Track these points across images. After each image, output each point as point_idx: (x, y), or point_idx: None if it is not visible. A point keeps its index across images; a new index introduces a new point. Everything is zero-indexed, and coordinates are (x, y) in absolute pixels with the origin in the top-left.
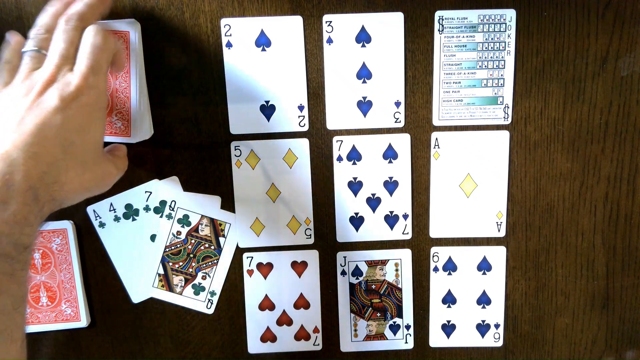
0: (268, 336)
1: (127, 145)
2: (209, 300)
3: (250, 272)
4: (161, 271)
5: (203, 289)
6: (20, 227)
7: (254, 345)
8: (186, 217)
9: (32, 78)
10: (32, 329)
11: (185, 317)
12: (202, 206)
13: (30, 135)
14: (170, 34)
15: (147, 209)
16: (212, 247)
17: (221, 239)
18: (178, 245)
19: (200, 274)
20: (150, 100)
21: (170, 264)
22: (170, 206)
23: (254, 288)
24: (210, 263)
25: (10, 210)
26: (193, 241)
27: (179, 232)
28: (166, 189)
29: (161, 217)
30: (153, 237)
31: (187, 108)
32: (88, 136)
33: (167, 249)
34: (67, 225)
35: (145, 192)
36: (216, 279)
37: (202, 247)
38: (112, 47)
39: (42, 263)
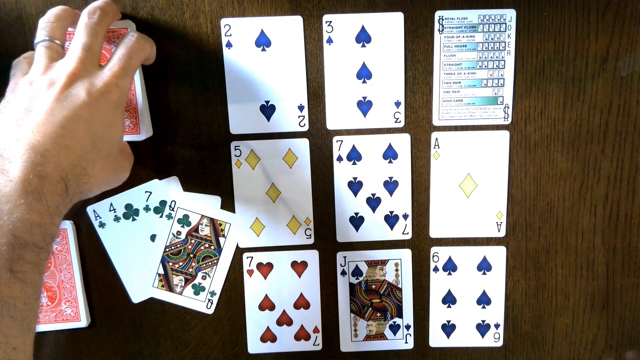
0: (268, 336)
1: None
2: (209, 300)
3: (250, 272)
4: (161, 271)
5: (203, 289)
6: (51, 218)
7: (254, 345)
8: (186, 217)
9: (54, 69)
10: (37, 328)
11: (185, 317)
12: (202, 206)
13: (61, 127)
14: (170, 33)
15: (147, 209)
16: (212, 247)
17: (221, 239)
18: (178, 245)
19: (200, 274)
20: (150, 100)
21: (170, 264)
22: (170, 206)
23: (254, 288)
24: (210, 263)
25: (44, 201)
26: (193, 241)
27: (179, 232)
28: (166, 189)
29: (161, 217)
30: (153, 237)
31: (187, 108)
32: (112, 131)
33: (167, 249)
34: (67, 225)
35: (145, 192)
36: (216, 279)
37: (202, 247)
38: (147, 52)
39: None
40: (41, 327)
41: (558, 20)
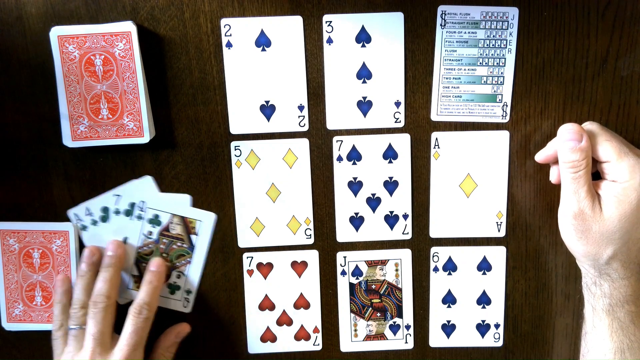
0: (268, 336)
1: (128, 147)
2: (185, 298)
3: (250, 272)
4: (136, 272)
5: (178, 287)
6: None
7: (254, 345)
8: (156, 217)
9: None
10: (30, 327)
11: (185, 317)
12: (171, 205)
13: None
14: (170, 33)
15: (117, 212)
16: (185, 245)
17: (193, 237)
18: (150, 246)
19: (174, 273)
20: (150, 100)
21: (144, 264)
22: (139, 207)
23: (254, 288)
24: (184, 262)
25: None
26: (165, 240)
27: (150, 233)
28: (135, 190)
29: (132, 219)
30: (125, 240)
31: (187, 108)
32: None
33: (140, 250)
34: (69, 227)
35: (114, 195)
36: (191, 277)
37: (175, 246)
38: (149, 327)
39: (40, 263)
40: (40, 327)
41: (558, 20)
